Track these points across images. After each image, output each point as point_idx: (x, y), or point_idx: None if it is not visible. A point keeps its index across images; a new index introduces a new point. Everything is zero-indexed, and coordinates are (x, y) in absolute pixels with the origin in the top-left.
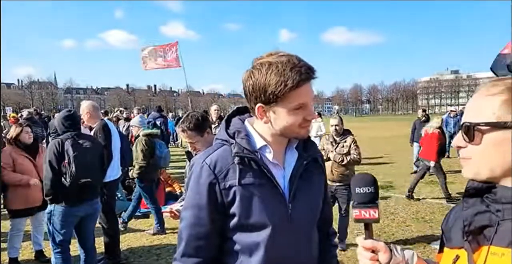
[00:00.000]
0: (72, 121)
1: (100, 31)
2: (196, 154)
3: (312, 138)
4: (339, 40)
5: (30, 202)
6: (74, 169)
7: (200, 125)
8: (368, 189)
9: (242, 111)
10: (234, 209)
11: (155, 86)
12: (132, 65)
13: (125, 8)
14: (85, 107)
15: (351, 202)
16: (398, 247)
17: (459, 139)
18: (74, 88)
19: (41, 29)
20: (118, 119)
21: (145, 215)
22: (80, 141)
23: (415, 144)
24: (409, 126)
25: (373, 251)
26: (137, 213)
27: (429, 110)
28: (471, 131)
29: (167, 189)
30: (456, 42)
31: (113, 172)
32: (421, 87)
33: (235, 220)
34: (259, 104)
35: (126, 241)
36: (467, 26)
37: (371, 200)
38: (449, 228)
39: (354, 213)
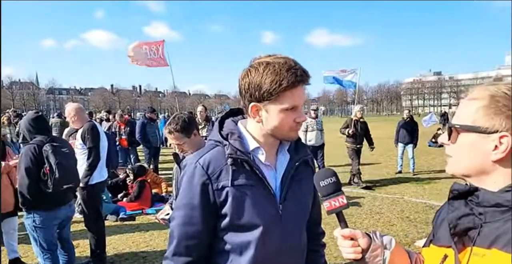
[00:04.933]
0: (42, 124)
1: (81, 31)
2: (183, 156)
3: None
4: (321, 42)
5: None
6: (57, 176)
7: (187, 126)
8: (331, 180)
9: (235, 113)
10: (226, 209)
11: (140, 86)
12: (116, 65)
13: (105, 9)
14: (71, 109)
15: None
16: (377, 233)
17: (443, 136)
18: (57, 89)
19: (19, 28)
20: (101, 121)
21: (131, 217)
22: (58, 146)
23: (399, 144)
24: (394, 126)
25: (352, 239)
26: (123, 215)
27: (413, 111)
28: (451, 131)
29: (154, 191)
30: (439, 43)
31: (100, 173)
32: (405, 88)
33: (226, 220)
34: (253, 103)
35: (112, 244)
36: (449, 28)
37: (336, 189)
38: (438, 227)
39: (325, 206)
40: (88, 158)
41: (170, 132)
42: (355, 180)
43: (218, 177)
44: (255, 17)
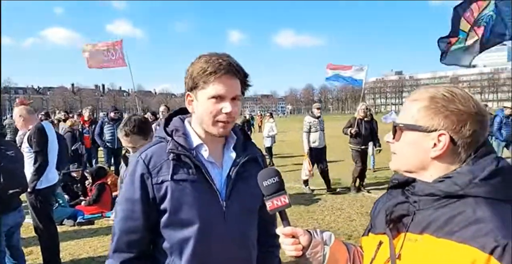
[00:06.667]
0: None
1: (40, 29)
2: None
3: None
4: (288, 42)
5: None
6: (2, 180)
7: (144, 128)
8: (274, 179)
9: (185, 111)
10: (166, 204)
11: (103, 85)
12: (77, 63)
13: (65, 5)
14: (17, 112)
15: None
16: (318, 230)
17: (388, 135)
18: (13, 88)
19: None
20: (59, 121)
21: (90, 222)
22: (3, 149)
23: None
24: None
25: (293, 237)
26: (80, 220)
27: (376, 109)
28: (395, 130)
29: (115, 193)
30: (400, 44)
31: (49, 177)
32: (368, 87)
33: (166, 215)
34: (188, 92)
35: (68, 250)
36: (410, 28)
37: (279, 189)
38: (375, 216)
39: (267, 205)
40: (34, 162)
41: (126, 135)
42: (355, 184)
43: (159, 172)
44: (222, 15)
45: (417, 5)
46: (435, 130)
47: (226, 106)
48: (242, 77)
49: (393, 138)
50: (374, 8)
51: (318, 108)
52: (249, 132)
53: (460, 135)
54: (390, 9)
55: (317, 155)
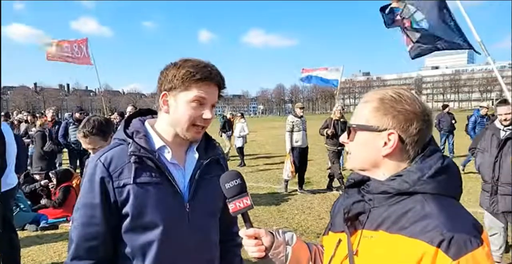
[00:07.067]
0: None
1: None
2: None
3: (236, 138)
4: (257, 41)
5: None
6: None
7: (104, 129)
8: (236, 182)
9: (144, 113)
10: (128, 208)
11: (68, 85)
12: (40, 62)
13: (25, 1)
14: None
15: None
16: (280, 231)
17: (343, 136)
18: None
19: None
20: (20, 122)
21: (54, 226)
22: None
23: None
24: None
25: (256, 238)
26: (44, 224)
27: (345, 109)
28: (349, 131)
29: None
30: (368, 46)
31: (7, 181)
32: (338, 88)
33: (128, 219)
34: (164, 92)
35: (30, 256)
36: (377, 31)
37: (241, 191)
38: (335, 215)
39: (230, 208)
40: None
41: (85, 136)
42: (334, 184)
43: (120, 175)
44: (191, 15)
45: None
46: (385, 130)
47: (207, 113)
48: (222, 87)
49: (348, 138)
50: (343, 10)
51: (301, 108)
52: (230, 132)
53: (407, 133)
54: (358, 11)
55: (301, 155)
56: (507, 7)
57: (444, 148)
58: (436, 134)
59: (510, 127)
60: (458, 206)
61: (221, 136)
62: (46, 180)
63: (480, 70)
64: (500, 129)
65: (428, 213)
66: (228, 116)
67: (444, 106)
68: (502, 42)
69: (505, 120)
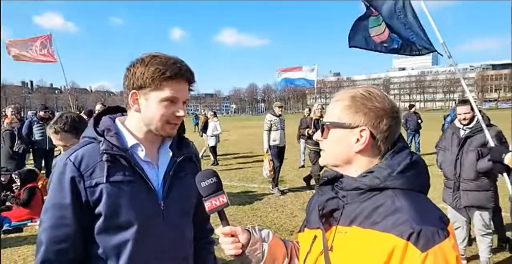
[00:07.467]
0: None
1: None
2: None
3: (209, 137)
4: (230, 41)
5: None
6: None
7: (77, 126)
8: (212, 180)
9: (113, 111)
10: (101, 208)
11: (31, 82)
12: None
13: None
14: None
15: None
16: (256, 228)
17: (317, 134)
18: None
19: None
20: None
21: (18, 229)
22: None
23: (301, 140)
24: (297, 124)
25: (232, 236)
26: (7, 227)
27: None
28: (323, 129)
29: (46, 198)
30: (338, 47)
31: None
32: (309, 87)
33: (101, 219)
34: (133, 90)
35: None
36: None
37: (217, 189)
38: (310, 212)
39: (206, 206)
40: None
41: (56, 132)
42: (312, 182)
43: (92, 174)
44: (162, 12)
45: (356, 9)
46: (357, 126)
47: (180, 110)
48: (192, 82)
49: (322, 136)
50: (315, 10)
51: (279, 107)
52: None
53: (378, 129)
54: (330, 11)
55: (278, 154)
56: (471, 10)
57: (410, 146)
58: (403, 133)
59: (469, 126)
60: (426, 200)
61: (201, 136)
62: (3, 179)
63: (444, 71)
64: (459, 128)
65: (398, 207)
66: (202, 117)
67: (411, 106)
68: (464, 44)
69: (464, 119)
